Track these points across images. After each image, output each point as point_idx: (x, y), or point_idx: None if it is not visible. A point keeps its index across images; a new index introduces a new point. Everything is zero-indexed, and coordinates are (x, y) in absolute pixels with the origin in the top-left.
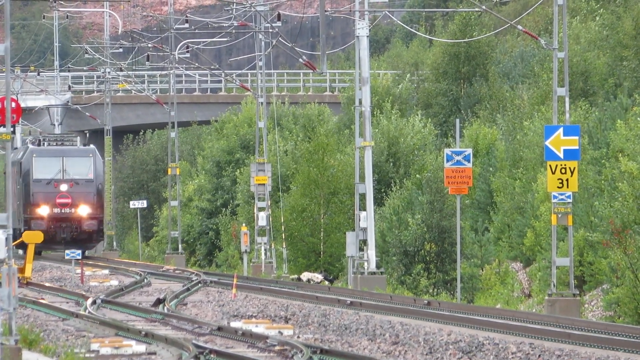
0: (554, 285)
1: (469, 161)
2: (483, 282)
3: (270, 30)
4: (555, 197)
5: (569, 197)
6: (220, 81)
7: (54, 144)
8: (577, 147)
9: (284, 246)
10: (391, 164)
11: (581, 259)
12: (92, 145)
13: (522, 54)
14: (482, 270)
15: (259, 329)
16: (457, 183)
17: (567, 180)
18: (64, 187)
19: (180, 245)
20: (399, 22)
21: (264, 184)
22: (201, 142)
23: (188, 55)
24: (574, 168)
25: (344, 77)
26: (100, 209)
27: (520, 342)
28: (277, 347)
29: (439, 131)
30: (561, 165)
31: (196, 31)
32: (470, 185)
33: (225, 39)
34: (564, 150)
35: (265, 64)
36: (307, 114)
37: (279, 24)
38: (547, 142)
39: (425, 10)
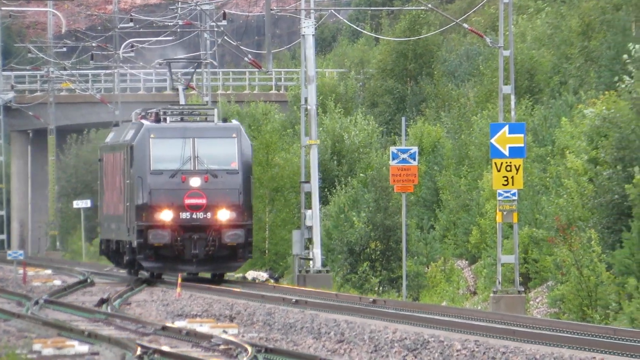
0: (499, 282)
1: (414, 159)
2: (428, 280)
3: (216, 29)
4: (500, 194)
5: (514, 194)
6: (165, 80)
7: (180, 119)
8: (522, 145)
9: None
10: (335, 162)
11: (526, 256)
12: (235, 121)
13: (468, 52)
14: (428, 268)
15: (204, 328)
16: (402, 181)
17: (512, 177)
18: (195, 182)
19: None
20: (345, 20)
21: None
22: None
23: (133, 54)
24: (519, 165)
25: (290, 76)
26: (248, 213)
27: (465, 339)
28: (221, 347)
29: (384, 129)
30: (506, 162)
31: (141, 30)
32: (415, 183)
33: (171, 38)
34: (510, 147)
35: (210, 62)
36: (253, 113)
37: (224, 22)
38: (492, 140)
39: (371, 8)
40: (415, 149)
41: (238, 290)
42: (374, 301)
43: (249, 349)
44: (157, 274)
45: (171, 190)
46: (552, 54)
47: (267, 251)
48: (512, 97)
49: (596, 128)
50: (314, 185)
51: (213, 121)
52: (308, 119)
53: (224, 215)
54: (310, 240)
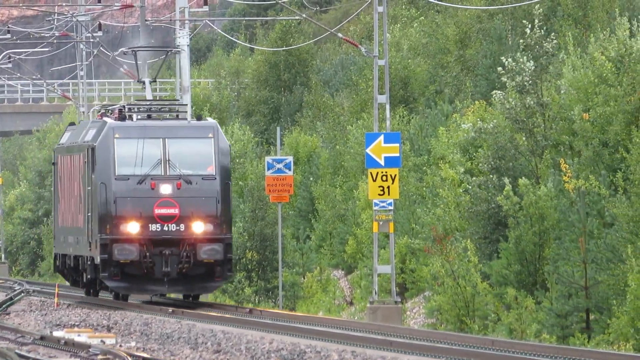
0: (375, 292)
1: (289, 169)
2: (305, 290)
3: (92, 40)
4: (376, 204)
5: (390, 204)
6: (42, 91)
7: (148, 116)
8: (398, 155)
9: None
10: None
11: (403, 266)
12: (210, 119)
13: (343, 62)
14: (304, 278)
15: (82, 338)
16: (278, 191)
17: (388, 187)
18: (167, 190)
19: (2, 255)
20: (219, 30)
21: None
22: (23, 152)
23: (10, 65)
24: (395, 175)
25: (165, 86)
26: (227, 225)
27: (342, 349)
28: (99, 356)
29: (259, 139)
30: (382, 172)
31: (18, 41)
32: (291, 193)
33: (47, 49)
34: (385, 157)
35: (86, 73)
36: None
37: (100, 33)
38: (368, 150)
39: (246, 18)
40: (290, 158)
41: (113, 300)
42: (251, 311)
43: (127, 358)
44: (122, 295)
45: (139, 198)
46: (428, 63)
47: None
48: (387, 106)
49: (471, 140)
50: None
51: (186, 119)
52: None
53: (199, 227)
54: None
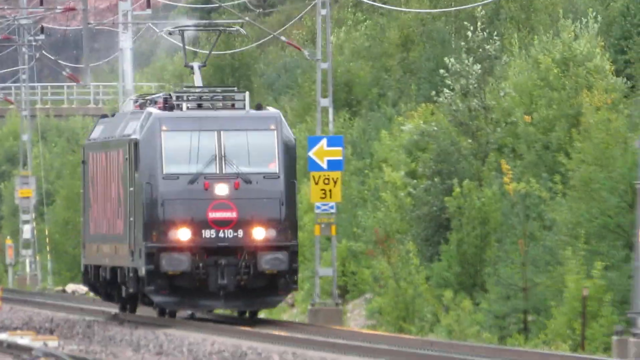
0: (317, 295)
1: None
2: None
3: (34, 44)
4: (318, 207)
5: (332, 207)
6: None
7: (198, 105)
8: (340, 158)
9: (49, 258)
10: None
11: (344, 268)
12: (273, 108)
13: (286, 65)
14: None
15: (25, 340)
16: None
17: (330, 190)
18: (222, 190)
19: None
20: (162, 34)
21: (28, 197)
22: None
23: None
24: (338, 179)
25: (108, 90)
26: (292, 230)
27: (283, 351)
28: (42, 359)
29: None
30: (325, 175)
31: None
32: None
33: None
34: (328, 160)
35: (28, 77)
36: (72, 127)
37: (42, 37)
38: (310, 153)
39: (188, 24)
40: None
41: (57, 303)
42: (192, 314)
43: None
44: (170, 311)
45: (190, 200)
46: (371, 66)
47: None
48: (330, 109)
49: (415, 142)
50: None
51: (243, 108)
52: None
53: (260, 233)
54: None
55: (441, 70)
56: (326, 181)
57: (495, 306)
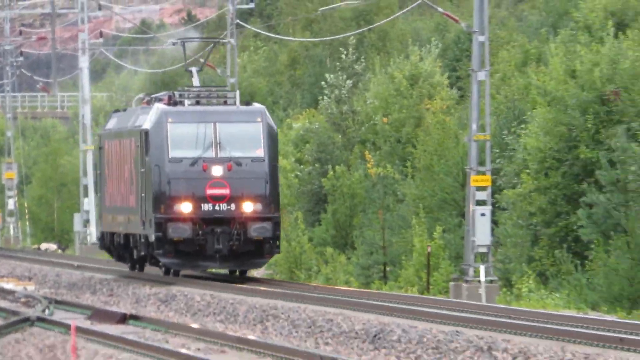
0: None
1: None
2: None
3: (15, 64)
4: None
5: None
6: None
7: (196, 102)
8: None
9: (27, 224)
10: None
11: None
12: (257, 104)
13: (204, 81)
14: None
15: (9, 285)
16: None
17: None
18: (218, 171)
19: None
20: (111, 56)
21: (12, 179)
22: None
23: None
24: None
25: (71, 98)
26: (275, 205)
27: (203, 293)
28: (22, 299)
29: None
30: None
31: None
32: None
33: None
34: None
35: (11, 88)
36: (44, 126)
37: (21, 59)
38: None
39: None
40: None
41: (34, 257)
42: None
43: (43, 300)
44: (174, 271)
45: (192, 179)
46: (267, 81)
47: (55, 229)
48: None
49: (300, 137)
50: (90, 180)
51: (234, 104)
52: (84, 130)
53: (249, 206)
54: (87, 221)
55: (322, 83)
56: None
57: (362, 260)
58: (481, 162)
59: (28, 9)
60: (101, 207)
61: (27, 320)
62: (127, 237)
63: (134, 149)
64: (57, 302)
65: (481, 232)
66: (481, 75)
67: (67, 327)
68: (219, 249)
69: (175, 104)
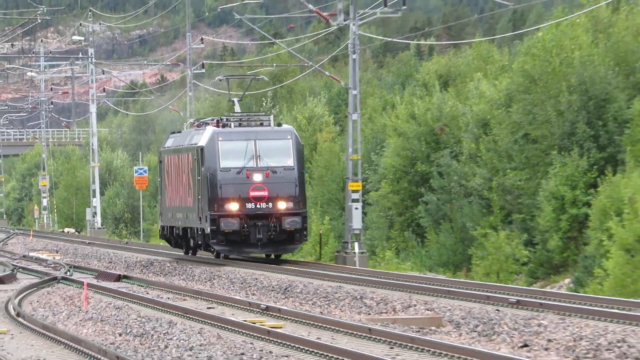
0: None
1: (146, 172)
2: (154, 232)
3: (48, 109)
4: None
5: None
6: (22, 134)
7: (239, 124)
8: None
9: (55, 215)
10: (107, 175)
11: None
12: (286, 125)
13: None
14: (153, 226)
15: (44, 256)
16: (139, 183)
17: None
18: (258, 177)
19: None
20: (110, 104)
21: (45, 185)
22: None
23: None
24: None
25: (84, 132)
26: (303, 203)
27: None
28: (52, 265)
29: (130, 158)
30: None
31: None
32: (147, 184)
33: (26, 113)
34: None
35: (45, 125)
36: (66, 151)
37: (52, 106)
38: None
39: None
40: (146, 167)
41: (59, 237)
42: (127, 242)
43: (65, 266)
44: (224, 255)
45: (238, 184)
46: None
47: (73, 218)
48: None
49: None
50: (97, 186)
51: (269, 125)
52: (93, 154)
53: (283, 205)
54: (95, 213)
55: None
56: None
57: None
58: (355, 173)
59: (56, 73)
60: (161, 207)
61: (55, 279)
62: (185, 229)
63: (191, 161)
64: (75, 267)
65: (356, 220)
66: (355, 116)
67: (81, 283)
68: (260, 238)
69: (223, 126)
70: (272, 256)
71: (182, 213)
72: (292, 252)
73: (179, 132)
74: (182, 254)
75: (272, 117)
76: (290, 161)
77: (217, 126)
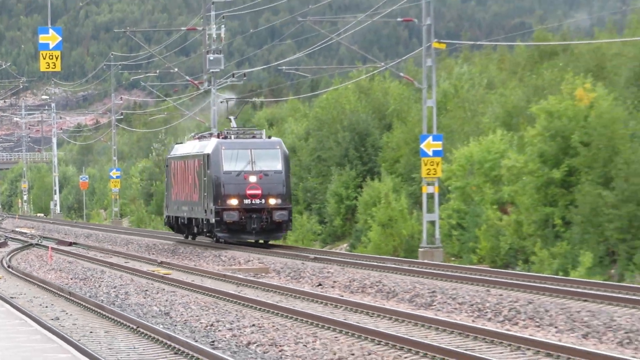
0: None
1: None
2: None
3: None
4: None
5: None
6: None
7: (240, 136)
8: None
9: (32, 205)
10: None
11: None
12: (277, 138)
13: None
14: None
15: (24, 230)
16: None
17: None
18: (254, 179)
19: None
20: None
21: (25, 187)
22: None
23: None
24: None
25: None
26: (289, 200)
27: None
28: (29, 236)
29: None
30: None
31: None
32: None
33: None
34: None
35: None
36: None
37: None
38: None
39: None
40: (87, 176)
41: (34, 219)
42: (75, 222)
43: (38, 236)
44: (225, 241)
45: (237, 184)
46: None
47: (42, 207)
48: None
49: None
50: (57, 187)
51: (262, 137)
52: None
53: (273, 201)
54: (55, 204)
55: None
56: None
57: None
58: None
59: (32, 118)
60: (167, 200)
61: (31, 245)
62: (190, 219)
63: (198, 165)
64: (43, 237)
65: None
66: None
67: (46, 247)
68: (254, 227)
69: (225, 137)
70: (263, 242)
71: (188, 206)
72: (280, 239)
73: (182, 143)
74: (182, 238)
75: (263, 131)
76: (279, 166)
77: (219, 138)
